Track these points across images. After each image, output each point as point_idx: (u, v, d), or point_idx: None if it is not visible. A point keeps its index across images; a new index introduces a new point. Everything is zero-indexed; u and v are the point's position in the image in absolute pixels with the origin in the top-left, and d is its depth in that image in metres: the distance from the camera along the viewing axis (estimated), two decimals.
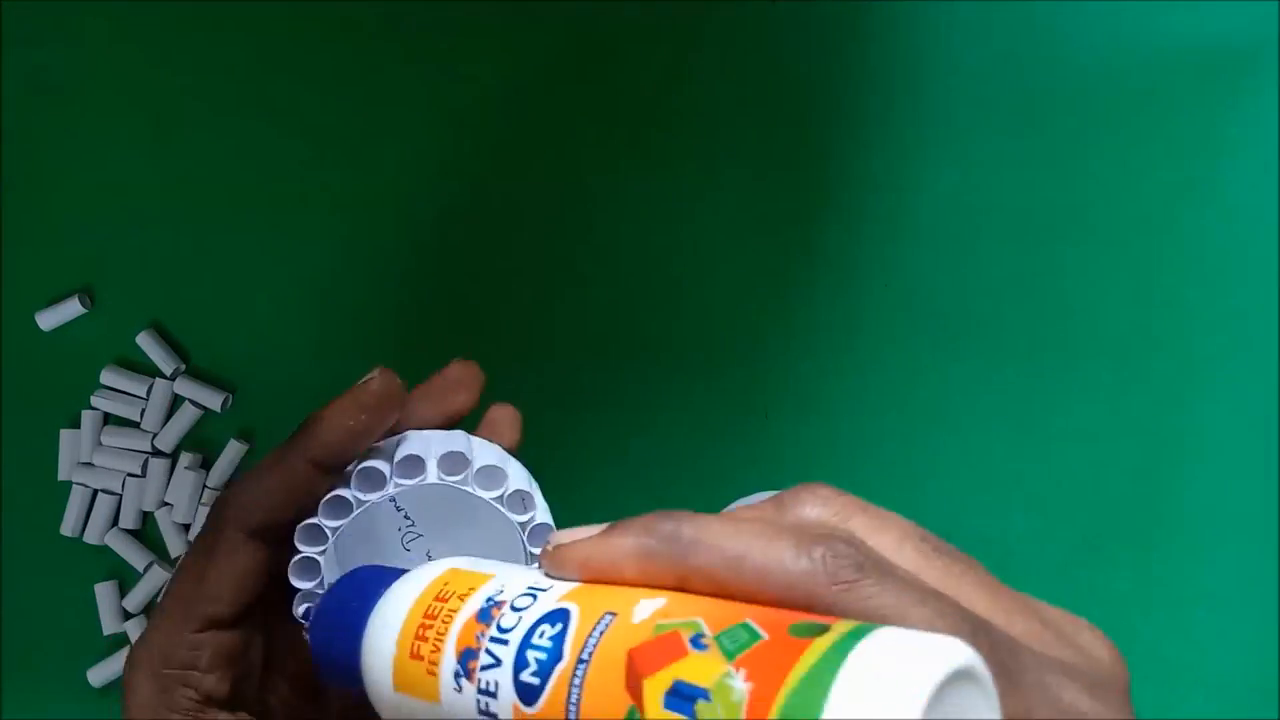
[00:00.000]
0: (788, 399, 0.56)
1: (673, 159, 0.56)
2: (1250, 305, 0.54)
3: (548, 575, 0.28)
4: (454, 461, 0.35)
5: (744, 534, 0.24)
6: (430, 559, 0.36)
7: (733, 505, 0.55)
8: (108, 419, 0.57)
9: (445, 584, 0.28)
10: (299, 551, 0.35)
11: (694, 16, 0.56)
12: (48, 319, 0.57)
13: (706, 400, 0.56)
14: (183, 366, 0.57)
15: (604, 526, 0.28)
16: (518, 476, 0.37)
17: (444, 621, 0.27)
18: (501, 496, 0.35)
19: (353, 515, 0.35)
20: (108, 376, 0.57)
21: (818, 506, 0.26)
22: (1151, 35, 0.54)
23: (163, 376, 0.57)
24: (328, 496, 0.35)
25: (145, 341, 0.56)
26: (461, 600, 0.27)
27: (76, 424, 0.57)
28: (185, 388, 0.56)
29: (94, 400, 0.57)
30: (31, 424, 0.57)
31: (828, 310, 0.56)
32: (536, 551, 0.35)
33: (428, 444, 0.36)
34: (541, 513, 0.36)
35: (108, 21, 0.56)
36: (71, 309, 0.56)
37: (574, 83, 0.56)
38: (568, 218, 0.56)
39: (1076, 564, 0.55)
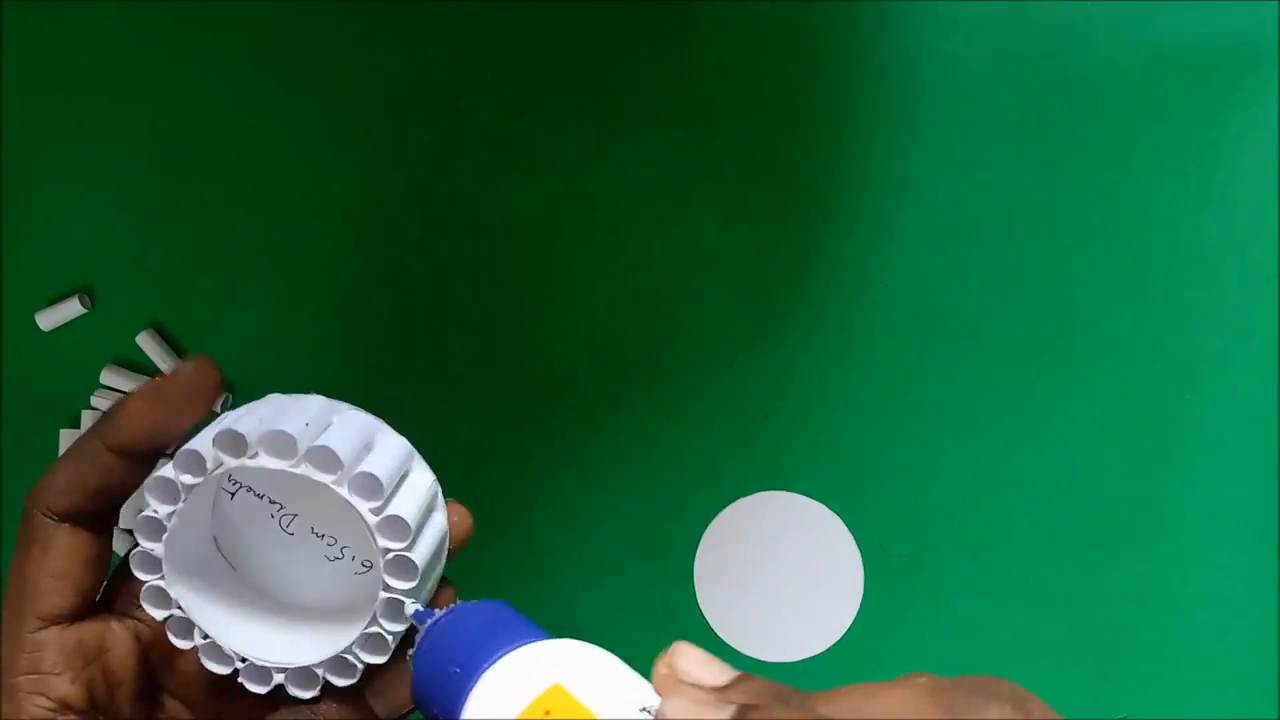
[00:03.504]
0: (788, 399, 0.56)
1: (672, 159, 0.56)
2: (1250, 305, 0.54)
3: None
4: (281, 441, 0.32)
5: None
6: (315, 535, 0.34)
7: (732, 505, 0.56)
8: None
9: (547, 711, 0.27)
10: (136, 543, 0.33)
11: (694, 16, 0.56)
12: (48, 319, 0.57)
13: (706, 400, 0.56)
14: None
15: (729, 679, 0.26)
16: (378, 456, 0.33)
17: None
18: (341, 478, 0.32)
19: (182, 501, 0.32)
20: (108, 376, 0.57)
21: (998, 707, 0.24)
22: (1151, 35, 0.54)
23: None
24: (151, 478, 0.33)
25: (145, 341, 0.56)
26: None
27: (76, 424, 0.57)
28: None
29: (94, 400, 0.57)
30: (31, 424, 0.57)
31: (828, 310, 0.56)
32: (389, 545, 0.32)
33: (264, 416, 0.33)
34: (402, 501, 0.33)
35: (108, 21, 0.56)
36: (71, 309, 0.56)
37: (574, 82, 0.56)
38: (567, 217, 0.56)
39: (1076, 564, 0.55)
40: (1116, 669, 0.54)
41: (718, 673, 0.26)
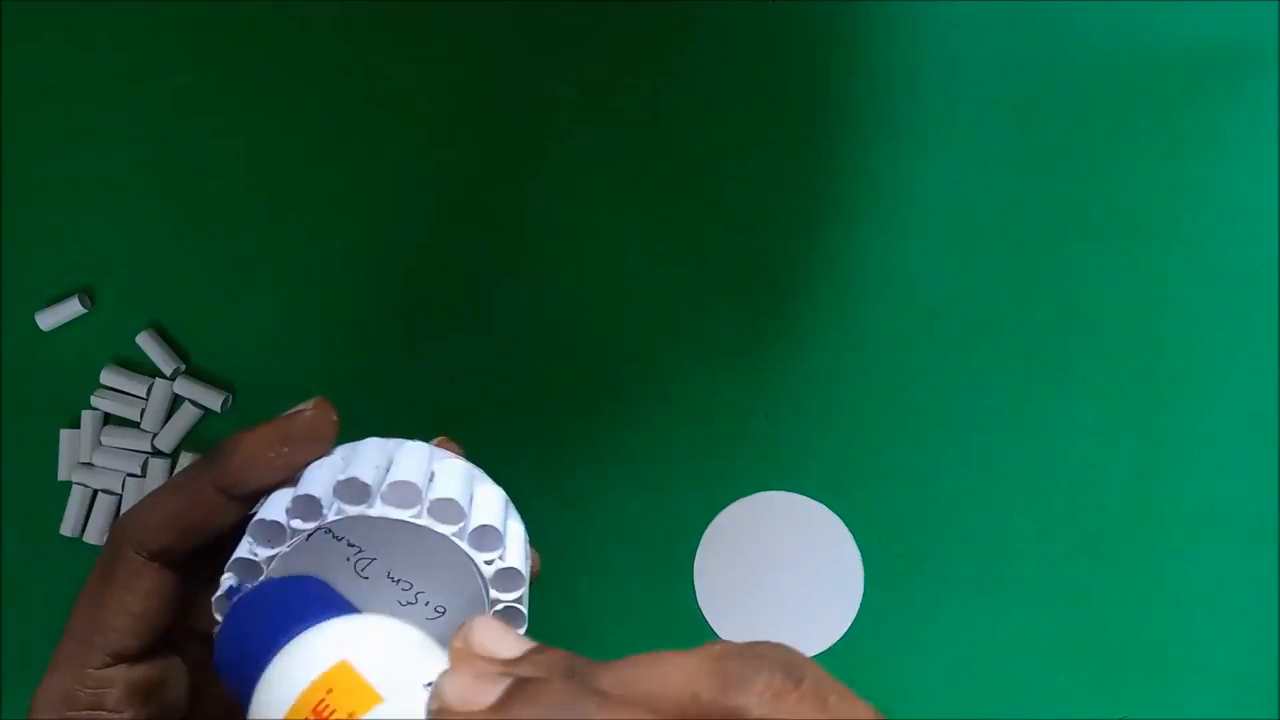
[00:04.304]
0: (788, 399, 0.56)
1: (672, 158, 0.56)
2: (1250, 305, 0.54)
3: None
4: (405, 491, 0.31)
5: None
6: (390, 579, 0.33)
7: (732, 505, 0.56)
8: (107, 419, 0.57)
9: (329, 690, 0.26)
10: (220, 583, 0.32)
11: (694, 16, 0.56)
12: (48, 319, 0.57)
13: (706, 400, 0.56)
14: (183, 366, 0.57)
15: (521, 650, 0.26)
16: (486, 506, 0.33)
17: None
18: (462, 531, 0.32)
19: (286, 546, 0.31)
20: (108, 376, 0.57)
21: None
22: (1151, 35, 0.54)
23: (163, 376, 0.57)
24: (256, 519, 0.32)
25: (145, 341, 0.56)
26: None
27: (76, 424, 0.57)
28: (185, 388, 0.56)
29: (94, 400, 0.57)
30: (31, 424, 0.57)
31: (828, 310, 0.56)
32: (501, 596, 0.32)
33: (377, 463, 0.33)
34: (512, 552, 0.33)
35: (108, 21, 0.56)
36: (71, 309, 0.56)
37: (574, 82, 0.56)
38: (568, 217, 0.56)
39: (1076, 564, 0.55)
40: (1116, 669, 0.54)
41: (511, 645, 0.26)
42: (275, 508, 0.32)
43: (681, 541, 0.56)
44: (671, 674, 0.24)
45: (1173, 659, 0.54)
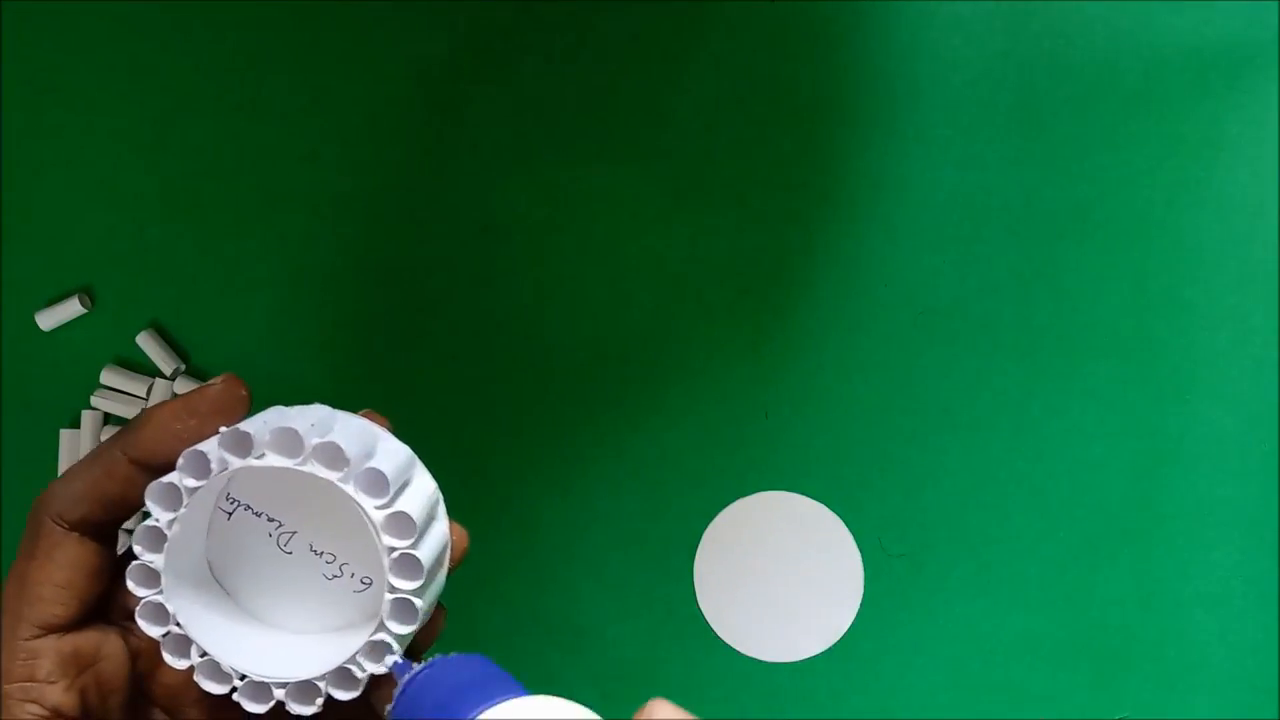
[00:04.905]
0: (788, 399, 0.56)
1: (672, 158, 0.56)
2: (1250, 305, 0.54)
3: None
4: (288, 439, 0.31)
5: None
6: (314, 552, 0.34)
7: (732, 505, 0.56)
8: (108, 419, 0.57)
9: None
10: (131, 551, 0.33)
11: (694, 16, 0.56)
12: (48, 319, 0.57)
13: (706, 400, 0.56)
14: (183, 366, 0.57)
15: None
16: (381, 457, 0.33)
17: None
18: (347, 476, 0.31)
19: (185, 507, 0.32)
20: (108, 376, 0.57)
21: None
22: (1151, 35, 0.54)
23: (163, 376, 0.57)
24: (153, 484, 0.32)
25: (145, 341, 0.56)
26: None
27: (76, 424, 0.57)
28: (185, 388, 0.56)
29: (94, 400, 0.57)
30: (31, 424, 0.57)
31: (828, 310, 0.56)
32: (395, 542, 0.32)
33: (267, 419, 0.33)
34: (408, 499, 0.32)
35: (108, 21, 0.56)
36: (71, 309, 0.56)
37: (573, 82, 0.56)
38: (567, 216, 0.56)
39: (1076, 564, 0.55)
40: (1116, 669, 0.55)
41: None
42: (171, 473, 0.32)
43: (681, 541, 0.56)
44: None
45: (1173, 659, 0.54)
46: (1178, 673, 0.54)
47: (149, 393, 0.56)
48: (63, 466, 0.57)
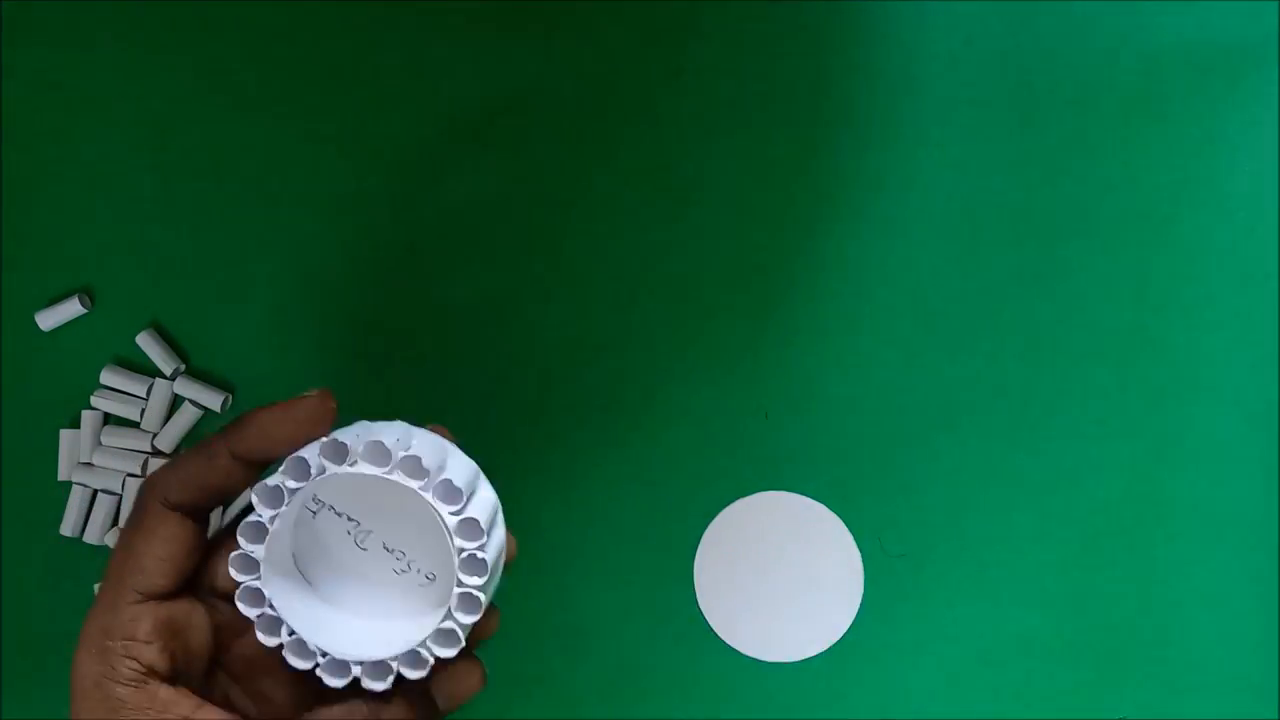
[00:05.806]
0: (788, 399, 0.56)
1: (672, 158, 0.56)
2: (1250, 305, 0.54)
3: None
4: (378, 451, 0.36)
5: None
6: (385, 549, 0.38)
7: (732, 505, 0.56)
8: (108, 419, 0.57)
9: None
10: (238, 544, 0.37)
11: (694, 16, 0.56)
12: (48, 319, 0.57)
13: (706, 400, 0.56)
14: (183, 366, 0.57)
15: None
16: (453, 469, 0.38)
17: None
18: (428, 485, 0.36)
19: (285, 505, 0.36)
20: (108, 376, 0.57)
21: None
22: (1151, 35, 0.54)
23: (163, 376, 0.57)
24: (259, 484, 0.37)
25: (145, 341, 0.56)
26: None
27: (76, 424, 0.57)
28: (185, 388, 0.56)
29: (94, 400, 0.57)
30: (31, 424, 0.57)
31: (828, 310, 0.56)
32: (464, 544, 0.36)
33: (359, 433, 0.38)
34: (476, 507, 0.37)
35: (108, 21, 0.56)
36: (71, 309, 0.56)
37: (573, 82, 0.56)
38: (566, 216, 0.56)
39: (1076, 564, 0.55)
40: (1116, 669, 0.55)
41: None
42: (274, 475, 0.37)
43: (681, 541, 0.56)
44: None
45: (1173, 659, 0.54)
46: (1178, 673, 0.54)
47: (149, 393, 0.56)
48: (63, 466, 0.57)
